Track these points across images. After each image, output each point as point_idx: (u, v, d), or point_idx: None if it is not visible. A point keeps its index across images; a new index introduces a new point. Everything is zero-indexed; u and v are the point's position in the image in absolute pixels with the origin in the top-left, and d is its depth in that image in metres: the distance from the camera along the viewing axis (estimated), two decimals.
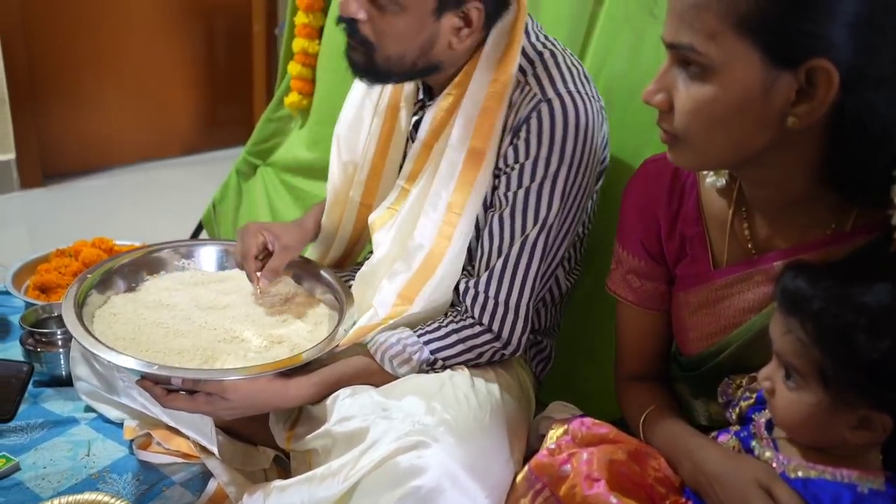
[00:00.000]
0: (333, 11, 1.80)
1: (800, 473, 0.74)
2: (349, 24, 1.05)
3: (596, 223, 1.24)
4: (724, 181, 0.90)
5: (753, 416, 0.84)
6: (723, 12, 0.70)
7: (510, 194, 1.05)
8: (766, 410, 0.81)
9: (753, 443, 0.81)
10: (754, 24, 0.70)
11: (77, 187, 2.72)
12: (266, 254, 1.23)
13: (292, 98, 1.90)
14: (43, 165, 2.66)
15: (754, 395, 0.85)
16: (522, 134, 1.03)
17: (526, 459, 1.03)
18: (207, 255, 1.37)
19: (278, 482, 1.00)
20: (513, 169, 1.04)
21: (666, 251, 0.98)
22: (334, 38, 1.80)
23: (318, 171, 1.85)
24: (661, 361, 1.05)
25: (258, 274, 1.21)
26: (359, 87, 1.27)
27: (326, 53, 1.83)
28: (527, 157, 1.03)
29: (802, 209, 0.83)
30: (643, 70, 1.25)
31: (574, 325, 1.35)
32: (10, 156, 2.58)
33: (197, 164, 3.04)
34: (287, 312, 1.24)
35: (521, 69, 1.07)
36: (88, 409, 1.38)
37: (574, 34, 1.33)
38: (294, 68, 1.87)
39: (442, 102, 1.11)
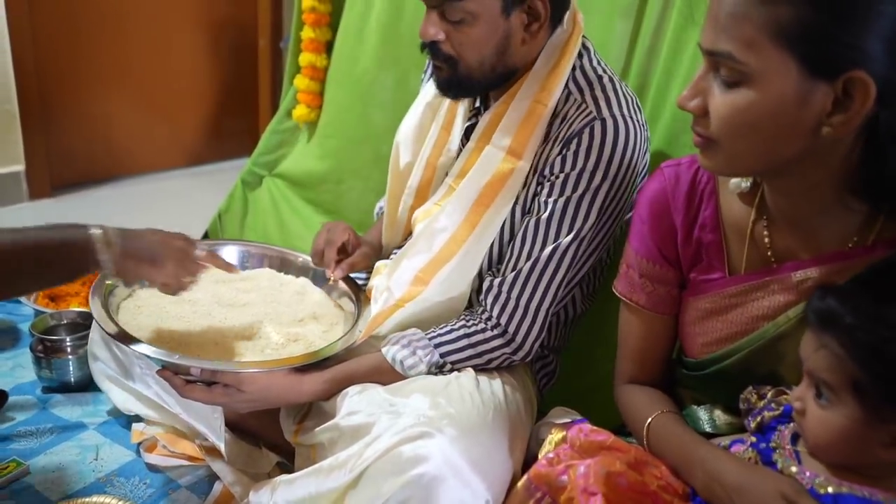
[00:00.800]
0: (342, 26, 1.83)
1: (829, 489, 0.74)
2: (431, 46, 1.11)
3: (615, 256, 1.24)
4: (748, 185, 0.90)
5: (778, 427, 0.83)
6: (762, 22, 0.71)
7: (550, 201, 1.08)
8: (792, 424, 0.81)
9: (775, 456, 0.80)
10: (794, 35, 0.70)
11: (85, 198, 2.73)
12: (342, 250, 1.30)
13: (300, 111, 1.92)
14: (51, 176, 2.68)
15: (781, 408, 0.84)
16: (573, 146, 1.06)
17: (526, 463, 1.04)
18: (229, 254, 1.40)
19: (285, 476, 1.02)
20: (557, 178, 1.07)
21: (681, 256, 0.97)
22: (343, 53, 1.83)
23: (327, 183, 1.90)
24: (663, 365, 1.04)
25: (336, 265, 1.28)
26: (422, 96, 1.32)
27: (336, 68, 1.86)
28: (573, 168, 1.06)
29: (826, 220, 0.83)
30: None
31: (577, 338, 1.35)
32: (20, 167, 2.60)
33: (203, 175, 3.05)
34: (304, 312, 1.26)
35: (579, 88, 1.11)
36: (97, 413, 1.40)
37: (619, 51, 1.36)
38: (301, 82, 1.90)
39: (496, 109, 1.15)
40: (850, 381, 0.71)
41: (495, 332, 1.10)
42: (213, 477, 1.22)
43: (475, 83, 1.13)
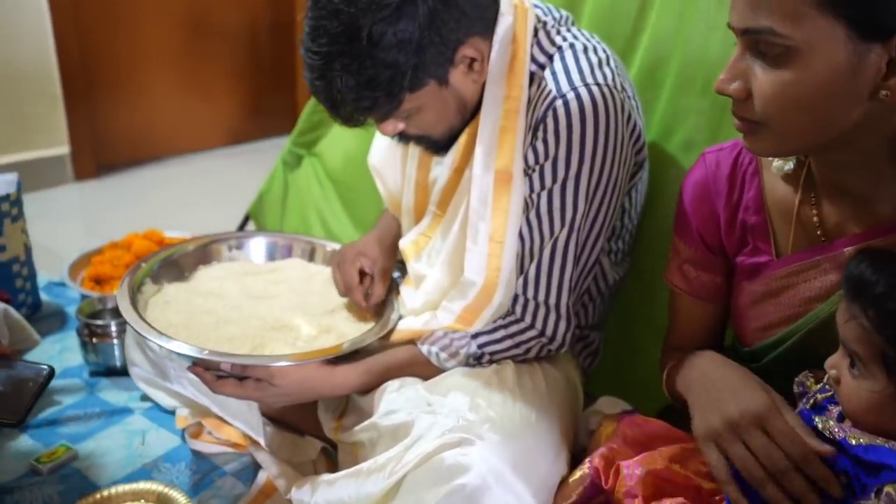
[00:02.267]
0: None
1: (862, 440, 0.72)
2: (398, 135, 1.07)
3: (644, 215, 1.20)
4: (791, 166, 0.86)
5: (829, 406, 0.81)
6: None
7: (534, 196, 1.02)
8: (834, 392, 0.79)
9: (817, 419, 0.78)
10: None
11: (128, 179, 2.76)
12: (364, 276, 1.24)
13: None
14: (96, 158, 2.72)
15: (833, 391, 0.81)
16: (540, 134, 1.00)
17: (574, 455, 1.03)
18: (257, 246, 1.39)
19: (326, 476, 1.00)
20: (534, 171, 1.02)
21: (726, 243, 0.94)
22: None
23: (364, 164, 1.85)
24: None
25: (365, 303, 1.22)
26: None
27: None
28: (546, 158, 1.00)
29: (879, 191, 0.79)
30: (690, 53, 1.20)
31: (622, 319, 1.32)
32: (65, 149, 2.64)
33: (243, 154, 3.06)
34: (335, 302, 1.25)
35: (540, 65, 1.03)
36: (143, 398, 1.41)
37: (623, 22, 1.28)
38: None
39: (467, 128, 1.09)
40: (880, 353, 0.69)
41: (527, 325, 1.06)
42: (259, 464, 1.21)
43: (456, 136, 1.09)
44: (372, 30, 0.91)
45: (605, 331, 1.28)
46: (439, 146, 1.10)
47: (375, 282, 1.23)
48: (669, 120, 1.23)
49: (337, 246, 1.36)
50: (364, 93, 0.96)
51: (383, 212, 1.38)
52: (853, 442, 0.72)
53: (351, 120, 1.01)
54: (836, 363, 0.75)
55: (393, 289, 1.23)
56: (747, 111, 0.75)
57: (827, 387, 0.83)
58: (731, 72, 0.74)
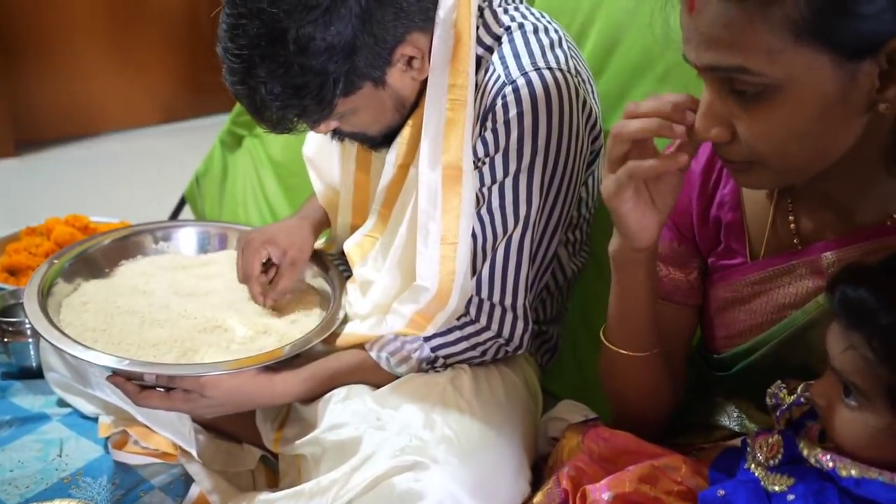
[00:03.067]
0: None
1: (853, 472, 0.67)
2: (332, 133, 1.03)
3: (602, 203, 1.14)
4: None
5: (807, 423, 0.77)
6: (772, 25, 0.60)
7: (485, 190, 0.96)
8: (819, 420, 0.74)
9: (801, 443, 0.73)
10: (814, 27, 0.60)
11: (50, 157, 2.62)
12: (270, 265, 1.15)
13: None
14: (14, 134, 2.56)
15: (809, 404, 0.77)
16: (489, 123, 0.93)
17: (533, 463, 0.97)
18: (187, 236, 1.29)
19: (264, 496, 0.93)
20: (484, 163, 0.95)
21: (698, 237, 0.89)
22: None
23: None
24: (678, 358, 0.95)
25: (265, 295, 1.13)
26: None
27: None
28: (496, 150, 0.93)
29: (862, 196, 0.75)
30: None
31: (582, 311, 1.26)
32: None
33: (179, 133, 2.94)
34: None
35: (488, 48, 0.96)
36: (61, 403, 1.29)
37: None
38: None
39: (409, 119, 1.01)
40: (884, 386, 0.64)
41: (485, 330, 0.99)
42: (191, 476, 1.11)
43: (394, 132, 1.02)
44: (298, 34, 0.83)
45: (563, 325, 1.23)
46: (376, 142, 1.05)
47: (281, 275, 1.13)
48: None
49: None
50: (291, 101, 0.88)
51: (310, 197, 1.29)
52: (843, 474, 0.67)
53: (278, 127, 0.93)
54: (825, 392, 0.70)
55: (341, 286, 1.14)
56: (734, 154, 0.69)
57: (802, 400, 0.78)
58: (707, 117, 0.68)
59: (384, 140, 1.04)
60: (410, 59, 0.95)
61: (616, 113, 1.18)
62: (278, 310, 1.14)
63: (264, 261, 1.13)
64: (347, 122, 0.99)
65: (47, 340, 0.97)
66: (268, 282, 1.14)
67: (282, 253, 1.13)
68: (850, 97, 0.63)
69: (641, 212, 0.76)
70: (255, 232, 1.17)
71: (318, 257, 1.22)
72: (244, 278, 1.13)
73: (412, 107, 1.00)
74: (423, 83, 0.98)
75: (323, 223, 1.24)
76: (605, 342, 0.89)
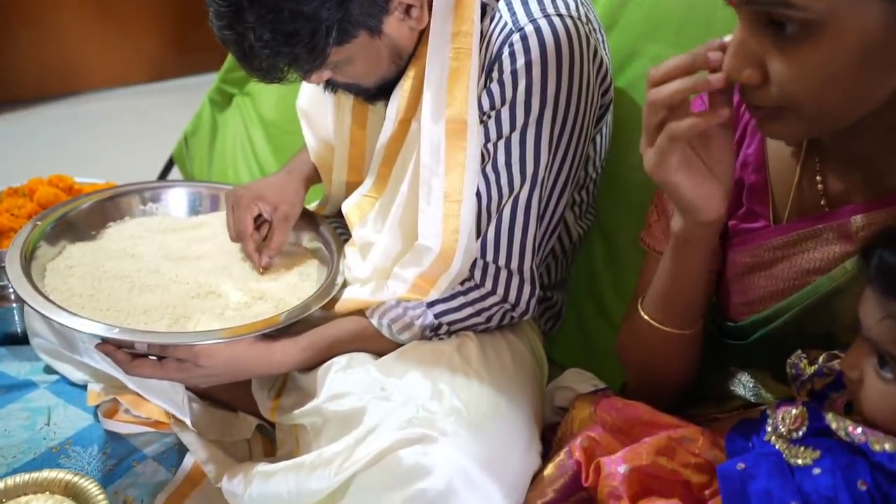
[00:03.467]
0: None
1: (887, 446, 0.64)
2: (325, 84, 0.98)
3: (608, 166, 1.10)
4: None
5: (830, 395, 0.74)
6: None
7: (491, 146, 0.91)
8: (845, 391, 0.71)
9: (829, 415, 0.70)
10: None
11: (33, 116, 2.55)
12: (262, 222, 1.11)
13: None
14: None
15: (834, 374, 0.74)
16: (495, 74, 0.89)
17: (541, 436, 0.94)
18: (177, 197, 1.24)
19: (261, 466, 0.89)
20: (490, 117, 0.90)
21: None
22: None
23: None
24: None
25: (259, 252, 1.10)
26: None
27: None
28: (503, 102, 0.89)
29: (894, 157, 0.71)
30: None
31: (586, 278, 1.23)
32: None
33: (166, 92, 2.88)
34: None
35: None
36: (48, 370, 1.25)
37: None
38: None
39: (408, 71, 0.96)
40: None
41: (490, 295, 0.95)
42: (184, 446, 1.08)
43: (389, 85, 0.97)
44: None
45: (567, 291, 1.20)
46: (371, 94, 1.01)
47: (274, 231, 1.10)
48: (638, 64, 1.12)
49: None
50: (282, 48, 0.83)
51: (298, 152, 1.24)
52: (877, 448, 0.64)
53: (267, 75, 0.88)
54: (858, 362, 0.66)
55: (340, 251, 1.10)
56: (764, 98, 0.65)
57: (824, 370, 0.76)
58: (739, 55, 0.63)
59: (379, 92, 1.00)
60: (408, 8, 0.90)
61: (627, 69, 1.14)
62: (273, 273, 1.09)
63: (255, 217, 1.09)
64: (341, 73, 0.94)
65: (32, 307, 0.92)
66: (261, 239, 1.10)
67: (273, 208, 1.10)
68: (893, 43, 0.59)
69: (697, 181, 0.71)
70: (244, 188, 1.12)
71: (314, 220, 1.18)
72: (237, 236, 1.10)
73: (409, 58, 0.96)
74: (422, 33, 0.93)
75: (312, 177, 1.19)
76: (644, 316, 0.85)
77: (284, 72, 0.88)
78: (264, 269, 1.09)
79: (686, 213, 0.74)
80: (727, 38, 0.66)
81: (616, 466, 0.74)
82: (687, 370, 0.88)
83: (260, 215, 1.10)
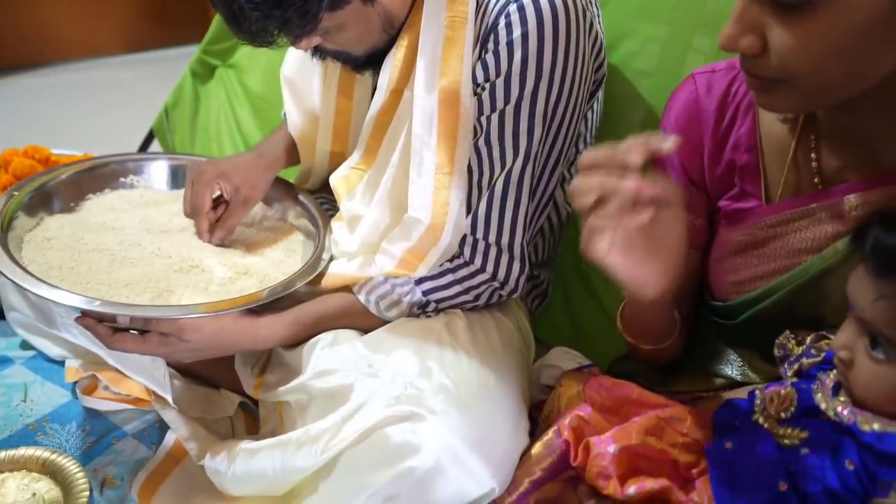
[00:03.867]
0: None
1: (875, 426, 0.65)
2: (314, 51, 0.96)
3: (596, 143, 1.09)
4: None
5: (818, 375, 0.73)
6: None
7: (483, 119, 0.89)
8: (834, 372, 0.71)
9: (818, 396, 0.71)
10: None
11: (8, 85, 2.46)
12: (221, 202, 1.08)
13: None
14: None
15: (822, 355, 0.74)
16: (490, 45, 0.87)
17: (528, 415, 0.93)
18: (160, 170, 1.21)
19: (245, 444, 0.87)
20: (483, 89, 0.89)
21: (708, 180, 0.85)
22: None
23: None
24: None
25: (211, 230, 1.07)
26: None
27: None
28: (497, 74, 0.87)
29: (891, 136, 0.71)
30: None
31: (573, 257, 1.22)
32: None
33: (146, 63, 2.82)
34: (255, 238, 1.10)
35: None
36: (24, 345, 1.22)
37: None
38: None
39: (401, 40, 0.94)
40: None
41: (479, 272, 0.94)
42: (165, 423, 1.06)
43: (378, 54, 0.95)
44: None
45: (554, 271, 1.19)
46: (360, 63, 0.98)
47: (230, 212, 1.07)
48: (629, 44, 1.12)
49: None
50: (273, 11, 0.81)
51: (273, 131, 1.21)
52: (865, 428, 0.64)
53: (256, 38, 0.85)
54: (849, 343, 0.66)
55: (326, 226, 1.08)
56: (763, 68, 0.64)
57: (812, 351, 0.76)
58: (739, 24, 0.63)
59: (368, 61, 0.97)
60: None
61: (619, 48, 1.13)
62: (259, 248, 1.08)
63: (215, 196, 1.07)
64: (331, 40, 0.92)
65: (10, 279, 0.89)
66: (216, 218, 1.08)
67: (234, 189, 1.07)
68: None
69: (632, 265, 0.65)
70: (208, 164, 1.09)
71: (299, 195, 1.16)
72: (191, 212, 1.06)
73: (400, 27, 0.94)
74: (414, 2, 0.92)
75: (281, 161, 1.16)
76: (621, 329, 0.86)
77: (274, 35, 0.86)
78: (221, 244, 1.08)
79: (625, 289, 0.71)
80: (653, 140, 0.63)
81: (605, 446, 0.74)
82: (679, 350, 0.89)
83: (221, 195, 1.07)
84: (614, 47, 1.12)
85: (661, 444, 0.76)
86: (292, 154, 1.16)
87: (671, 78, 0.99)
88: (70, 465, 0.97)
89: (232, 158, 1.13)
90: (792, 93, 0.65)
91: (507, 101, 0.87)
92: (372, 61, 0.97)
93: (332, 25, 0.87)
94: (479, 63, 0.88)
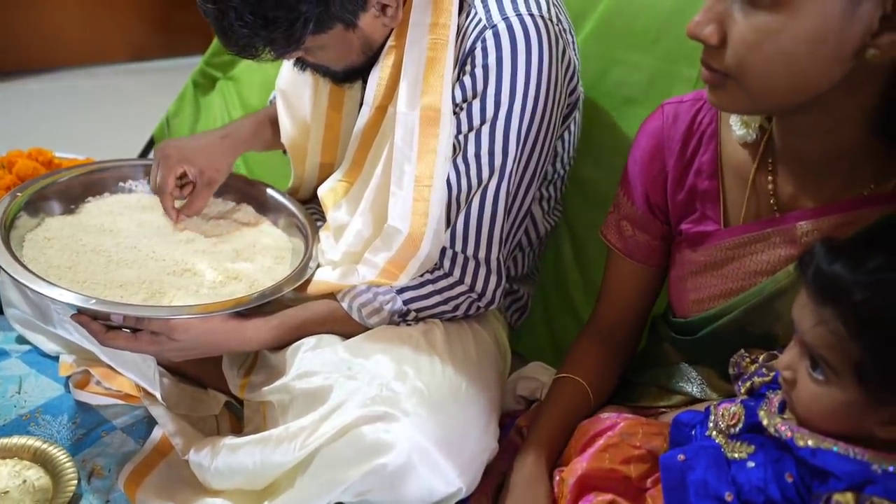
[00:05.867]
0: None
1: (809, 442, 0.68)
2: (296, 61, 1.02)
3: (577, 166, 1.14)
4: (755, 135, 0.81)
5: (767, 394, 0.77)
6: None
7: (461, 137, 0.94)
8: (782, 392, 0.75)
9: (761, 413, 0.75)
10: None
11: (14, 89, 2.49)
12: (187, 182, 1.12)
13: None
14: None
15: (772, 374, 0.78)
16: (468, 67, 0.92)
17: (500, 422, 0.98)
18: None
19: (229, 440, 0.92)
20: (461, 109, 0.94)
21: (670, 204, 0.90)
22: None
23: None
24: (635, 319, 0.99)
25: (178, 210, 1.12)
26: None
27: None
28: (474, 95, 0.92)
29: (842, 164, 0.75)
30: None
31: (554, 273, 1.27)
32: None
33: (149, 72, 2.83)
34: (245, 244, 1.13)
35: None
36: (21, 340, 1.26)
37: None
38: None
39: (386, 59, 0.99)
40: (854, 362, 0.63)
41: (458, 284, 0.99)
42: (153, 419, 1.10)
43: (356, 71, 1.01)
44: None
45: (535, 286, 1.24)
46: (338, 77, 1.05)
47: (196, 194, 1.11)
48: (616, 72, 1.17)
49: (251, 182, 1.23)
50: (260, 31, 0.87)
51: (244, 116, 1.26)
52: (800, 444, 0.68)
53: (243, 52, 0.91)
54: (792, 364, 0.70)
55: (314, 235, 1.13)
56: (718, 60, 0.68)
57: (764, 370, 0.80)
58: (707, 14, 0.67)
59: (346, 77, 1.04)
60: (384, 7, 0.94)
61: (606, 76, 1.17)
62: (249, 255, 1.11)
63: (179, 176, 1.11)
64: (312, 56, 0.98)
65: (11, 276, 0.93)
66: (182, 197, 1.12)
67: (198, 172, 1.11)
68: (847, 30, 0.62)
69: None
70: (173, 146, 1.12)
71: (290, 205, 1.20)
72: (158, 191, 1.11)
73: (378, 49, 1.00)
74: (389, 33, 0.98)
75: (245, 143, 1.20)
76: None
77: (260, 51, 0.91)
78: (179, 226, 1.12)
79: None
80: None
81: (569, 478, 0.81)
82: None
83: (185, 174, 1.11)
84: (602, 75, 1.17)
85: (611, 464, 0.81)
86: (257, 137, 1.20)
87: (656, 106, 1.05)
88: (60, 455, 1.02)
89: (197, 139, 1.16)
90: (738, 91, 0.69)
91: (483, 121, 0.92)
92: (349, 77, 1.03)
93: (315, 46, 0.93)
94: (457, 84, 0.93)
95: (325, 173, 1.15)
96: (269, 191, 1.21)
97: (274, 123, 1.20)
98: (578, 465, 0.81)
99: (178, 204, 1.14)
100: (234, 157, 1.17)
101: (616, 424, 0.84)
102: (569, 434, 0.88)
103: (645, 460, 0.81)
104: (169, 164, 1.09)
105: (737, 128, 0.82)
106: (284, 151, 1.23)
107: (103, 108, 2.45)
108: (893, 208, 0.73)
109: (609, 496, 0.77)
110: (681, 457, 0.76)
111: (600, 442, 0.82)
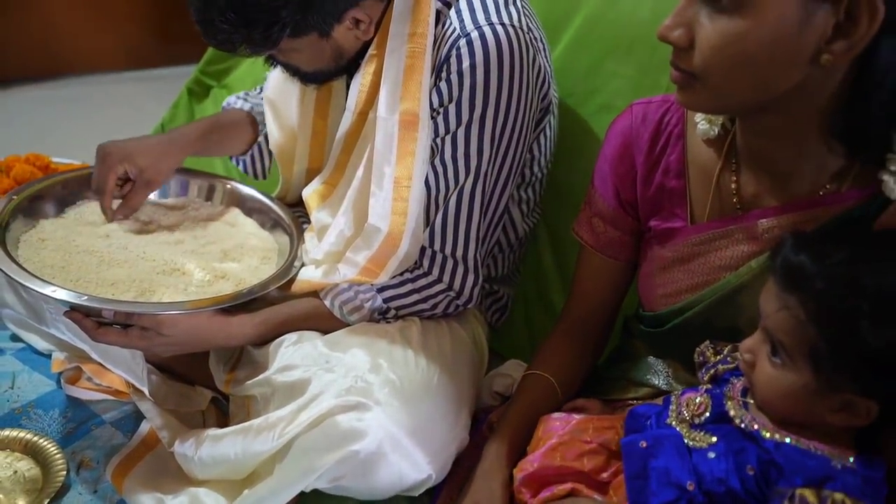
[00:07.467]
0: None
1: (776, 437, 0.72)
2: (267, 57, 1.06)
3: (557, 171, 1.18)
4: (717, 130, 0.85)
5: (731, 379, 0.81)
6: None
7: (438, 140, 0.99)
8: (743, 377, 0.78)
9: (728, 403, 0.78)
10: None
11: (13, 97, 2.53)
12: (127, 180, 1.14)
13: None
14: None
15: (736, 362, 0.81)
16: (444, 74, 0.97)
17: (476, 416, 1.02)
18: None
19: (212, 431, 0.95)
20: (438, 113, 0.98)
21: (640, 200, 0.93)
22: None
23: None
24: (606, 313, 1.02)
25: (115, 210, 1.14)
26: None
27: None
28: (450, 100, 0.97)
29: (800, 164, 0.79)
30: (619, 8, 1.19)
31: (533, 275, 1.30)
32: None
33: (146, 80, 2.86)
34: (233, 245, 1.16)
35: (446, 3, 1.00)
36: (14, 338, 1.29)
37: None
38: None
39: (367, 67, 1.03)
40: (808, 347, 0.67)
41: (436, 283, 1.02)
42: (142, 413, 1.13)
43: (329, 75, 1.08)
44: None
45: (515, 287, 1.27)
46: (306, 77, 1.10)
47: (133, 192, 1.13)
48: (593, 80, 1.21)
49: (239, 185, 1.27)
50: (240, 29, 0.92)
51: (197, 119, 1.30)
52: (766, 435, 0.71)
53: (221, 46, 0.97)
54: (753, 348, 0.73)
55: (300, 237, 1.16)
56: (686, 62, 0.73)
57: (728, 359, 0.83)
58: (677, 18, 0.72)
59: (313, 79, 1.09)
60: (358, 21, 0.99)
61: (588, 84, 1.21)
62: (236, 256, 1.14)
63: (121, 175, 1.12)
64: (285, 56, 1.04)
65: (6, 274, 0.96)
66: (121, 196, 1.14)
67: (139, 171, 1.12)
68: (803, 36, 0.66)
69: None
70: (116, 146, 1.12)
71: (276, 208, 1.23)
72: (97, 190, 1.12)
73: (348, 59, 1.05)
74: (366, 44, 1.03)
75: (190, 147, 1.19)
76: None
77: (237, 46, 0.96)
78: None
79: None
80: None
81: (519, 481, 0.85)
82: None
83: (127, 177, 1.13)
84: (581, 83, 1.21)
85: (562, 461, 0.84)
86: (202, 142, 1.21)
87: None
88: (50, 447, 1.05)
89: (141, 140, 1.17)
90: (704, 91, 0.73)
91: (458, 124, 0.96)
92: (317, 79, 1.09)
93: (289, 48, 0.99)
94: (434, 89, 0.98)
95: (312, 178, 1.19)
96: (257, 194, 1.25)
97: (222, 130, 1.24)
98: (528, 465, 0.84)
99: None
100: (177, 159, 1.18)
101: (568, 424, 0.87)
102: (533, 428, 0.92)
103: (598, 453, 0.84)
104: (109, 163, 1.10)
105: (701, 125, 0.86)
106: (231, 158, 1.29)
107: (100, 115, 2.48)
108: (847, 207, 0.77)
109: (568, 485, 0.80)
110: (643, 443, 0.79)
111: (552, 441, 0.85)
